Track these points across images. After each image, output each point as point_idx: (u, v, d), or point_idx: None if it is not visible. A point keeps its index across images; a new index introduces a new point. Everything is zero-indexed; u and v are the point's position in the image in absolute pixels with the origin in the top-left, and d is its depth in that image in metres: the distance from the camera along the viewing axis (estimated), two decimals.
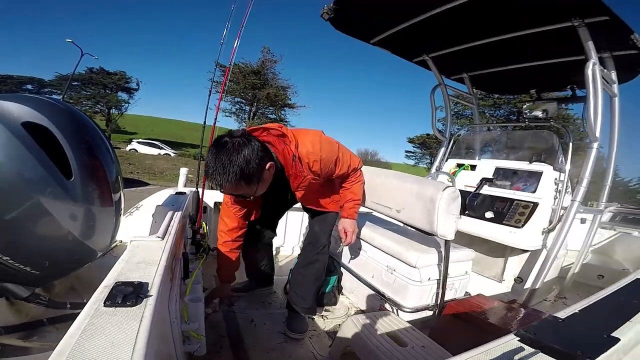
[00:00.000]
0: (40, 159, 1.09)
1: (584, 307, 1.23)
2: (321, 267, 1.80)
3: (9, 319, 1.32)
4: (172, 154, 27.70)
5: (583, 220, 2.80)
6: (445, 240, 1.62)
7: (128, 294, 0.75)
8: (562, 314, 1.12)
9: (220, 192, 1.38)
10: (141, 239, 1.14)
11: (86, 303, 1.48)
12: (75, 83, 35.00)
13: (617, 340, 0.95)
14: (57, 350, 0.58)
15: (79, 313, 1.45)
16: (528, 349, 0.84)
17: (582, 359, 0.80)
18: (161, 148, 28.29)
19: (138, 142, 27.81)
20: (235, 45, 2.18)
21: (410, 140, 37.74)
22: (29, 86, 41.29)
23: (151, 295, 0.79)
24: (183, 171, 2.79)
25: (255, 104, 29.57)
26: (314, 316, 1.95)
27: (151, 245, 1.10)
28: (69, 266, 1.38)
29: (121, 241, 2.10)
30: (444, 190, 1.54)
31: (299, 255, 1.89)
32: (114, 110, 35.98)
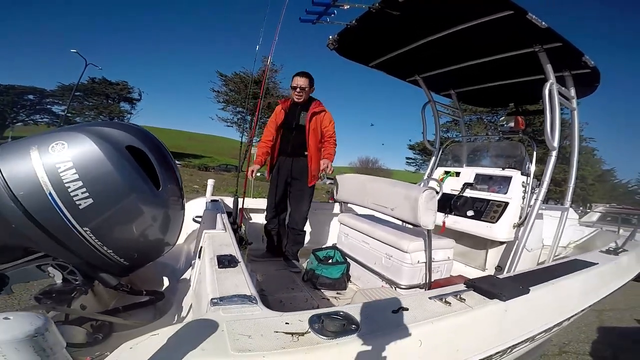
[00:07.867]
0: (139, 174, 1.45)
1: (520, 272, 1.69)
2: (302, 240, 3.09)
3: (95, 307, 1.67)
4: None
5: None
6: (427, 230, 2.08)
7: (230, 260, 1.23)
8: (501, 276, 1.58)
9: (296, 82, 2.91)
10: (213, 232, 1.64)
11: (152, 290, 1.93)
12: (78, 93, 34.93)
13: (528, 291, 1.39)
14: (208, 280, 1.04)
15: (148, 300, 1.89)
16: (467, 290, 1.32)
17: (499, 297, 1.27)
18: None
19: None
20: (269, 60, 2.83)
21: (411, 147, 37.76)
22: (31, 96, 41.00)
23: (240, 261, 1.27)
24: (210, 182, 3.26)
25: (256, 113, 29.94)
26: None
27: (221, 235, 1.59)
28: (149, 257, 1.71)
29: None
30: (423, 192, 2.02)
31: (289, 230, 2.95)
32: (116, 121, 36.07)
